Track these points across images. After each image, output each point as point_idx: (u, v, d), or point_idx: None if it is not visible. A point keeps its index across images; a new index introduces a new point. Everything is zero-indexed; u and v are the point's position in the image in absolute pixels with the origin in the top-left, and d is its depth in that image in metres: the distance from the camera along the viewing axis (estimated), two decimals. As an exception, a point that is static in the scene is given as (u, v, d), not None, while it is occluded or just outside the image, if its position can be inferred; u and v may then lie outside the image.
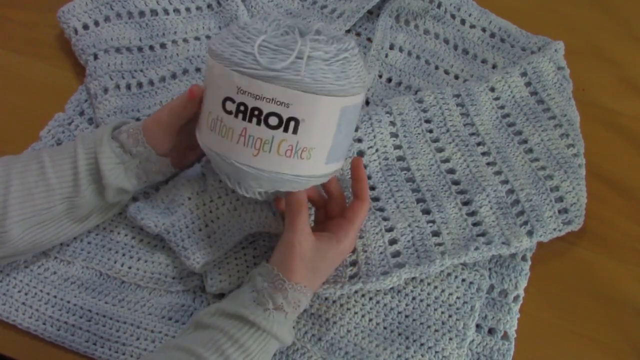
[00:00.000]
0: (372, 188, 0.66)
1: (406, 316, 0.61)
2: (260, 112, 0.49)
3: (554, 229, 0.63)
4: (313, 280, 0.56)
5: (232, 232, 0.61)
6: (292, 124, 0.49)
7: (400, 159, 0.68)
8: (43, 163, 0.55)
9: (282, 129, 0.49)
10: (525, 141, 0.70)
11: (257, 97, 0.48)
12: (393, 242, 0.62)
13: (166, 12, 0.76)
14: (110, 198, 0.58)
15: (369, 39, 0.79)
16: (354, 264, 0.60)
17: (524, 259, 0.65)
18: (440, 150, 0.69)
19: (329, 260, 0.57)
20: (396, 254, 0.61)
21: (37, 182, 0.54)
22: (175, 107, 0.57)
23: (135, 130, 0.58)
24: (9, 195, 0.53)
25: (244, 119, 0.49)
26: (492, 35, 0.80)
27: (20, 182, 0.54)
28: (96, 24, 0.73)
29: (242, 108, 0.49)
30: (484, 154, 0.69)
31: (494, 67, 0.78)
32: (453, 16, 0.80)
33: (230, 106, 0.50)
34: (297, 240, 0.54)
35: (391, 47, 0.78)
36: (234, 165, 0.51)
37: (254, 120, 0.49)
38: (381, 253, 0.61)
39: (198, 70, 0.73)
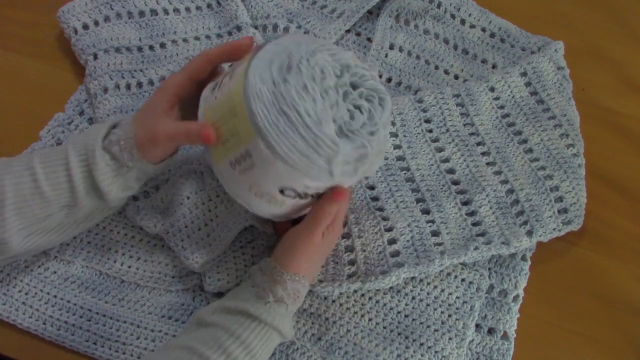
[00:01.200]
0: (372, 188, 0.66)
1: (406, 316, 0.61)
2: (318, 194, 0.54)
3: (554, 229, 0.63)
4: (312, 271, 0.57)
5: (228, 227, 0.61)
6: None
7: (400, 158, 0.68)
8: (36, 175, 0.53)
9: None
10: (525, 141, 0.70)
11: (319, 190, 0.53)
12: (392, 241, 0.62)
13: (166, 12, 0.76)
14: (113, 204, 0.57)
15: (369, 39, 0.79)
16: (352, 263, 0.60)
17: (523, 258, 0.65)
18: (439, 150, 0.69)
19: (323, 249, 0.57)
20: (395, 254, 0.61)
21: (32, 194, 0.53)
22: (177, 137, 0.54)
23: (128, 144, 0.54)
24: (4, 208, 0.52)
25: (300, 198, 0.53)
26: (492, 35, 0.80)
27: (15, 194, 0.52)
28: (96, 23, 0.73)
29: (302, 194, 0.52)
30: (483, 153, 0.69)
31: (494, 67, 0.78)
32: (453, 16, 0.80)
33: (290, 192, 0.51)
34: (314, 240, 0.55)
35: (391, 47, 0.78)
36: (274, 217, 0.56)
37: (310, 198, 0.53)
38: (380, 252, 0.61)
39: (198, 70, 0.73)
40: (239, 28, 0.75)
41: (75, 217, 0.57)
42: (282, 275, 0.53)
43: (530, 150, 0.69)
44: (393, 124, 0.70)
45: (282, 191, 0.51)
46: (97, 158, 0.53)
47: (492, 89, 0.73)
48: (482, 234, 0.63)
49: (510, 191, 0.65)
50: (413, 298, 0.62)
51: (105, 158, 0.54)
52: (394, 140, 0.69)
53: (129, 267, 0.62)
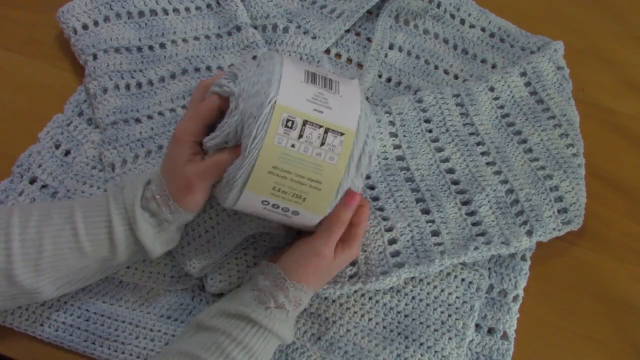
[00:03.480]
0: (372, 188, 0.66)
1: (405, 316, 0.61)
2: None
3: (554, 229, 0.63)
4: (318, 284, 0.56)
5: (231, 235, 0.60)
6: None
7: (400, 158, 0.68)
8: (76, 230, 0.52)
9: None
10: (524, 141, 0.69)
11: None
12: (392, 241, 0.62)
13: (165, 12, 0.76)
14: (154, 258, 0.57)
15: (369, 39, 0.79)
16: (353, 263, 0.60)
17: (523, 258, 0.65)
18: (439, 150, 0.69)
19: (336, 266, 0.57)
20: (395, 254, 0.61)
21: (70, 248, 0.52)
22: (209, 172, 0.53)
23: (163, 198, 0.54)
24: (42, 260, 0.51)
25: None
26: (492, 35, 0.80)
27: (53, 247, 0.52)
28: (95, 24, 0.73)
29: None
30: (483, 153, 0.68)
31: (494, 67, 0.78)
32: (452, 16, 0.80)
33: None
34: (326, 252, 0.54)
35: (391, 47, 0.78)
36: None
37: None
38: (380, 253, 0.61)
39: (197, 70, 0.73)
40: (238, 28, 0.75)
41: (108, 267, 0.56)
42: (285, 282, 0.53)
43: (530, 150, 0.69)
44: (393, 124, 0.70)
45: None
46: (138, 217, 0.53)
47: (491, 89, 0.73)
48: (482, 234, 0.62)
49: (510, 191, 0.65)
50: (413, 298, 0.62)
51: (145, 216, 0.54)
52: (393, 140, 0.69)
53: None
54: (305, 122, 0.48)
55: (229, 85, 0.52)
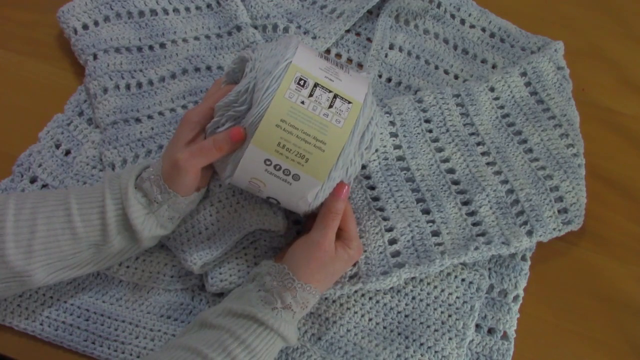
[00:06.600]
0: (372, 188, 0.66)
1: (406, 316, 0.61)
2: None
3: (554, 229, 0.63)
4: (324, 284, 0.56)
5: (231, 231, 0.61)
6: None
7: (400, 158, 0.68)
8: (70, 210, 0.53)
9: None
10: (525, 141, 0.69)
11: None
12: (393, 241, 0.62)
13: (166, 12, 0.76)
14: (145, 245, 0.57)
15: (369, 39, 0.79)
16: (353, 263, 0.60)
17: (523, 258, 0.65)
18: (439, 150, 0.69)
19: (339, 265, 0.57)
20: (396, 254, 0.61)
21: (63, 229, 0.52)
22: (201, 152, 0.54)
23: (156, 178, 0.55)
24: (34, 241, 0.51)
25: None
26: (492, 35, 0.80)
27: (46, 227, 0.52)
28: (96, 24, 0.73)
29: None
30: (483, 153, 0.68)
31: (494, 67, 0.78)
32: (453, 16, 0.80)
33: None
34: (326, 244, 0.55)
35: (391, 47, 0.78)
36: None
37: None
38: (381, 253, 0.61)
39: (197, 70, 0.73)
40: (238, 28, 0.75)
41: (102, 256, 0.56)
42: (293, 283, 0.53)
43: (530, 150, 0.69)
44: (393, 124, 0.70)
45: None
46: (129, 195, 0.54)
47: (492, 89, 0.73)
48: (483, 234, 0.62)
49: (510, 191, 0.65)
50: (413, 298, 0.62)
51: (137, 196, 0.54)
52: (394, 141, 0.69)
53: (127, 267, 0.62)
54: (316, 85, 0.52)
55: (248, 52, 0.55)
